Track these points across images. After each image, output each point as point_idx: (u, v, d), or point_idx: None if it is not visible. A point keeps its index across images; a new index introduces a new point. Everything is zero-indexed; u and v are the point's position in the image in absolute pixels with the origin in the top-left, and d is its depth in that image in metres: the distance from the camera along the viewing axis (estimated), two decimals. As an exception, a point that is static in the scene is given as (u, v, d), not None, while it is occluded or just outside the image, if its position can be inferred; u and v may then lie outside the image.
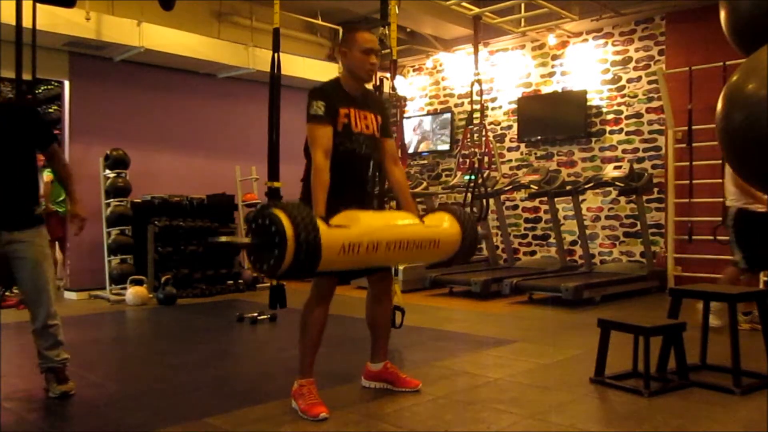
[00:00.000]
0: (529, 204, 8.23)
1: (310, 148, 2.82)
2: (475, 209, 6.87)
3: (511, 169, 8.40)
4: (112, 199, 6.71)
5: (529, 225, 8.31)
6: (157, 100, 7.56)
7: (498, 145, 8.42)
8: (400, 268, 6.66)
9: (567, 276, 6.65)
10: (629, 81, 7.48)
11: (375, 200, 4.63)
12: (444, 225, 3.04)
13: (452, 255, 3.10)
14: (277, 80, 4.65)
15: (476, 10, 7.25)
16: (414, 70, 9.67)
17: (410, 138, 9.31)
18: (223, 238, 2.66)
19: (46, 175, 7.22)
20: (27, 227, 3.09)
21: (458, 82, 9.08)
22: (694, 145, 6.60)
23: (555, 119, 7.89)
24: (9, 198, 3.08)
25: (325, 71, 8.54)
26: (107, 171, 6.77)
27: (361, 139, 2.95)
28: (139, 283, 6.45)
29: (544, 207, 7.99)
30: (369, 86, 3.25)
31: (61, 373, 3.17)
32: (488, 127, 7.75)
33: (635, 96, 7.43)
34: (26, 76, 4.70)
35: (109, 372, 3.85)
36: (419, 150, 9.38)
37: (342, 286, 3.09)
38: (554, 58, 8.11)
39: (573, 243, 7.76)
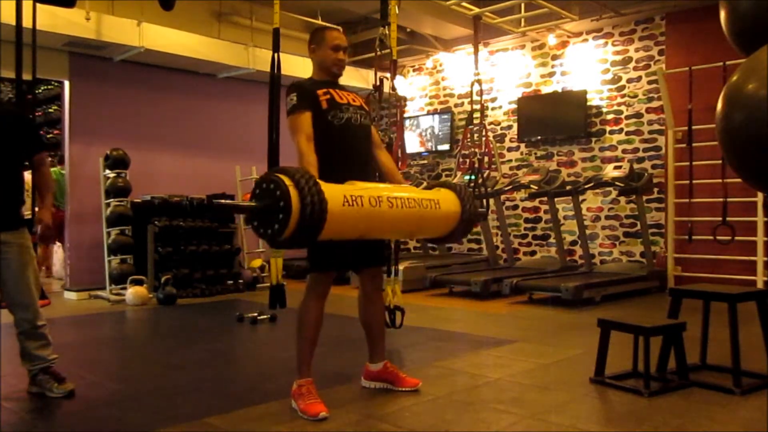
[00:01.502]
0: (529, 204, 8.23)
1: (292, 137, 2.88)
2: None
3: (511, 169, 8.40)
4: (112, 199, 6.71)
5: (529, 225, 8.31)
6: (157, 100, 7.56)
7: (498, 145, 8.42)
8: (401, 267, 6.66)
9: (567, 276, 6.65)
10: (629, 81, 7.48)
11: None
12: (440, 192, 3.08)
13: (453, 227, 3.08)
14: (277, 80, 4.66)
15: (476, 10, 7.25)
16: (414, 70, 9.67)
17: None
18: (229, 201, 2.65)
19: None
20: (12, 228, 3.08)
21: (458, 82, 9.08)
22: (694, 145, 6.60)
23: (555, 119, 7.89)
24: None
25: (325, 71, 8.55)
26: (107, 171, 6.77)
27: (351, 108, 3.00)
28: (139, 283, 6.44)
29: (544, 207, 7.99)
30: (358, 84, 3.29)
31: (57, 373, 3.17)
32: (488, 127, 7.75)
33: (635, 96, 7.43)
34: (26, 76, 4.70)
35: (108, 372, 3.85)
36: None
37: (341, 286, 3.10)
38: (554, 58, 8.11)
39: (573, 243, 7.76)
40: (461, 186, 3.17)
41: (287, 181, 2.43)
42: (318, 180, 2.52)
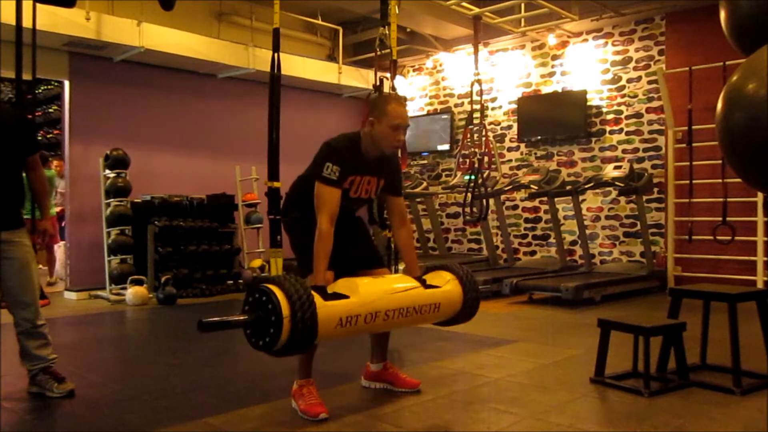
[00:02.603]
0: (529, 204, 8.23)
1: (317, 211, 2.79)
2: (475, 209, 6.87)
3: (511, 169, 8.40)
4: (112, 199, 6.70)
5: (529, 225, 8.31)
6: (157, 100, 7.56)
7: (498, 145, 8.42)
8: (401, 267, 6.65)
9: (567, 276, 6.65)
10: (629, 81, 7.48)
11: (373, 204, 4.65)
12: (445, 286, 3.03)
13: (453, 316, 3.11)
14: (277, 80, 4.67)
15: (476, 10, 7.25)
16: (414, 70, 9.67)
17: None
18: (217, 320, 2.57)
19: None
20: (14, 228, 3.09)
21: (458, 82, 9.08)
22: (694, 145, 6.60)
23: (555, 119, 7.89)
24: None
25: (325, 71, 8.56)
26: (107, 171, 6.76)
27: (353, 201, 2.97)
28: (139, 283, 6.44)
29: (544, 207, 7.99)
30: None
31: (57, 373, 3.17)
32: (488, 127, 7.75)
33: (635, 96, 7.43)
34: (26, 76, 4.69)
35: (109, 372, 3.85)
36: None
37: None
38: (554, 58, 8.11)
39: (573, 243, 7.76)
40: (465, 274, 3.13)
41: (281, 298, 2.44)
42: (315, 288, 2.57)
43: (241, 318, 2.53)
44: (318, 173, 2.80)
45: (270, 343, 2.46)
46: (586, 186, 6.98)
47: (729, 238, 6.07)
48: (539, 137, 8.10)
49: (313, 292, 2.53)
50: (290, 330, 2.42)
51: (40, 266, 8.02)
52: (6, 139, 3.08)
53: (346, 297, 2.64)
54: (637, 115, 7.41)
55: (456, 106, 9.12)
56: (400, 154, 5.33)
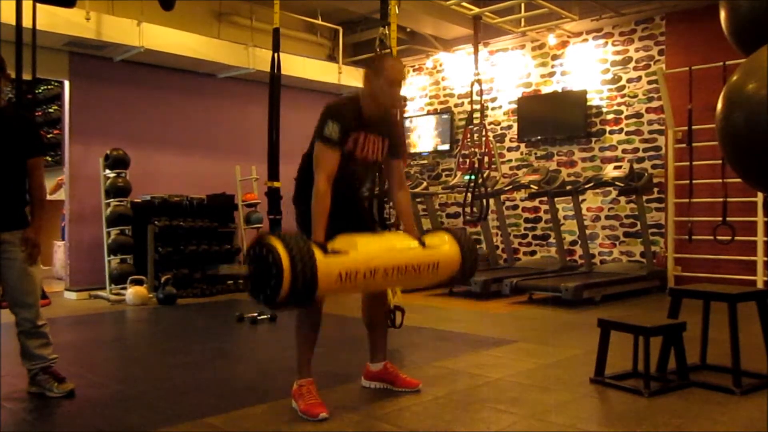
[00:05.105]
0: (529, 204, 8.23)
1: (315, 169, 2.80)
2: (475, 209, 6.87)
3: (511, 169, 8.40)
4: (112, 199, 6.71)
5: (529, 225, 8.31)
6: (157, 100, 7.56)
7: (498, 145, 8.42)
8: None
9: (567, 276, 6.65)
10: (629, 81, 7.48)
11: (373, 202, 4.65)
12: (444, 247, 3.03)
13: (451, 277, 3.11)
14: (277, 80, 4.67)
15: (476, 10, 7.25)
16: (414, 70, 9.67)
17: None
18: (223, 267, 2.71)
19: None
20: (16, 228, 3.09)
21: (458, 82, 9.08)
22: (694, 145, 6.59)
23: (555, 119, 7.89)
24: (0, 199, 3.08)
25: (325, 71, 8.56)
26: (107, 171, 6.77)
27: (360, 163, 2.96)
28: (139, 283, 6.45)
29: (544, 207, 7.99)
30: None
31: (57, 373, 3.17)
32: (488, 127, 7.75)
33: (635, 96, 7.43)
34: (26, 76, 4.70)
35: (109, 372, 3.85)
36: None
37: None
38: (554, 58, 8.11)
39: (573, 243, 7.76)
40: (463, 236, 3.13)
41: (282, 252, 2.45)
42: (315, 244, 2.57)
43: (243, 270, 2.61)
44: (319, 132, 2.82)
45: (271, 296, 2.49)
46: (586, 186, 6.99)
47: (729, 238, 6.07)
48: (539, 137, 8.10)
49: (313, 246, 2.55)
50: (291, 282, 2.44)
51: (42, 266, 8.05)
52: (9, 140, 3.08)
53: (345, 253, 2.65)
54: (637, 115, 7.41)
55: (456, 106, 9.12)
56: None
